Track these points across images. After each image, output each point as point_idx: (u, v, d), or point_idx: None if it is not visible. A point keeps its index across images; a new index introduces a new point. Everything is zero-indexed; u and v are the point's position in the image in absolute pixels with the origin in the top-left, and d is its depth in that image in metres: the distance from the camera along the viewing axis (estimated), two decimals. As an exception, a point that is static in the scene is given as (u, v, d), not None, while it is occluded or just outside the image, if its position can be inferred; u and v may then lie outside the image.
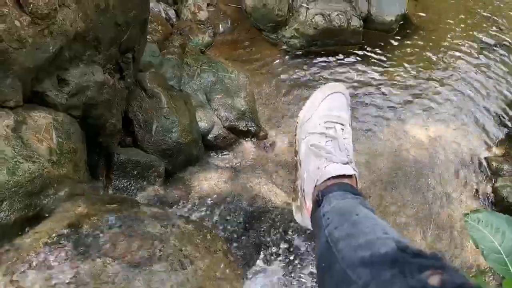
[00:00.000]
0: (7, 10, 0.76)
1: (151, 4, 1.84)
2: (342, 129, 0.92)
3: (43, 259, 0.66)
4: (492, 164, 1.68)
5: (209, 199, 1.33)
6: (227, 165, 1.58)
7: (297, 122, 1.09)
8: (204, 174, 1.48)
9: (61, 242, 0.70)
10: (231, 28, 2.10)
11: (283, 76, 1.93)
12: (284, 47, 2.04)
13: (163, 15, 1.94)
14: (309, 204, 0.94)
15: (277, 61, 1.98)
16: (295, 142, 1.09)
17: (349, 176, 0.88)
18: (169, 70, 1.69)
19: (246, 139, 1.73)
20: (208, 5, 2.11)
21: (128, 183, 1.24)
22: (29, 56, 0.83)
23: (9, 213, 0.71)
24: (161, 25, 1.84)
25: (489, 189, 1.63)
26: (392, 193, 1.58)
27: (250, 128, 1.72)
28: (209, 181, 1.45)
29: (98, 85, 1.05)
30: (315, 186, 0.90)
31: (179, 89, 1.57)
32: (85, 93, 1.01)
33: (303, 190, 0.96)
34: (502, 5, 2.31)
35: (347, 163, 0.88)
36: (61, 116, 0.94)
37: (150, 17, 1.58)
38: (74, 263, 0.67)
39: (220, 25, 2.09)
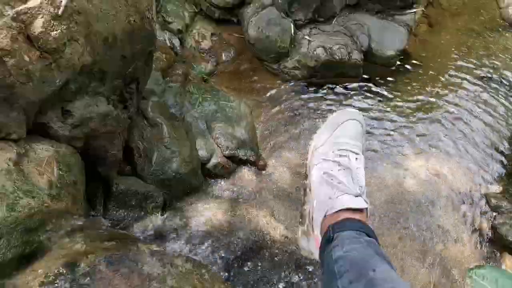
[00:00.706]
0: (17, 46, 0.77)
1: (156, 33, 1.88)
2: (356, 159, 0.91)
3: (39, 300, 0.65)
4: (491, 201, 1.68)
5: (207, 231, 1.32)
6: (225, 195, 1.58)
7: (310, 145, 1.07)
8: (202, 205, 1.47)
9: (57, 282, 0.68)
10: (234, 57, 2.13)
11: (284, 107, 1.94)
12: (286, 77, 2.07)
13: (168, 43, 1.97)
14: (317, 233, 0.92)
15: (279, 91, 2.01)
16: (306, 167, 1.07)
17: (361, 210, 0.87)
18: (171, 97, 1.70)
19: (245, 168, 1.72)
20: (212, 34, 2.15)
21: (125, 213, 1.23)
22: (35, 90, 0.83)
23: (6, 250, 0.70)
24: (165, 53, 1.86)
25: (487, 226, 1.63)
26: (391, 226, 1.57)
27: (249, 157, 1.72)
28: (208, 211, 1.44)
29: (102, 116, 1.05)
30: (325, 216, 0.88)
31: (181, 118, 1.57)
32: (88, 124, 1.02)
33: (312, 218, 0.94)
34: (502, 43, 2.35)
35: (359, 195, 0.87)
36: (63, 148, 0.94)
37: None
38: (70, 305, 0.65)
39: (223, 55, 2.12)
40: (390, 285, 0.65)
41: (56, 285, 0.68)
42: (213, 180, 1.64)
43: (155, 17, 1.24)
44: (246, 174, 1.71)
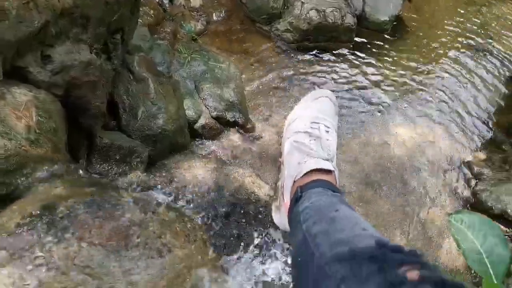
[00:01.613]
0: (-11, -21, 0.72)
1: (144, -14, 1.80)
2: (327, 131, 0.93)
3: (15, 241, 0.64)
4: (474, 168, 1.70)
5: (192, 188, 1.31)
6: (212, 155, 1.57)
7: (285, 124, 1.09)
8: (188, 163, 1.47)
9: (34, 223, 0.67)
10: (225, 17, 2.07)
11: (274, 70, 1.91)
12: (277, 40, 2.03)
13: (156, -1, 1.90)
14: (287, 201, 0.93)
15: (269, 54, 1.97)
16: (281, 144, 1.09)
17: (329, 172, 0.88)
18: (159, 55, 1.66)
19: (233, 130, 1.71)
20: (202, -8, 2.08)
21: (109, 167, 1.21)
22: (11, 29, 0.80)
23: (-19, 191, 0.69)
24: (153, 9, 1.80)
25: (469, 192, 1.66)
26: (374, 191, 1.59)
27: (237, 119, 1.70)
28: (193, 170, 1.44)
29: (84, 64, 1.02)
30: (295, 181, 0.90)
31: (168, 76, 1.54)
32: (69, 72, 0.98)
33: (283, 187, 0.96)
34: (496, 14, 2.33)
35: (327, 159, 0.88)
36: (42, 94, 0.91)
37: (142, 0, 1.55)
38: (47, 246, 0.65)
39: (214, 14, 2.06)
40: (354, 221, 0.67)
41: (33, 226, 0.67)
42: (200, 140, 1.63)
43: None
44: (233, 136, 1.69)
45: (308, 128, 0.92)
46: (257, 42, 2.02)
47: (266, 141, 1.68)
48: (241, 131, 1.73)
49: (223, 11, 2.07)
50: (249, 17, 2.06)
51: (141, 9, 1.71)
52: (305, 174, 0.91)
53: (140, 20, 1.69)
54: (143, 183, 1.21)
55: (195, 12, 2.01)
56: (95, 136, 1.17)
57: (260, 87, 1.86)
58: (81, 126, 1.14)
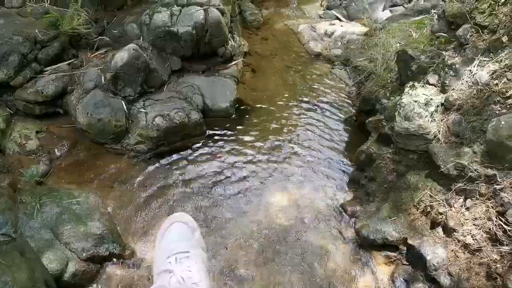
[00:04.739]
0: None
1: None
2: (186, 256, 0.91)
3: None
4: (347, 209, 1.85)
5: None
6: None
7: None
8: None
9: None
10: (70, 149, 1.98)
11: (137, 185, 1.86)
12: (132, 154, 2.00)
13: (-19, 156, 1.72)
14: None
15: (127, 171, 1.92)
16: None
17: None
18: (-2, 216, 1.46)
19: (112, 264, 1.57)
20: (37, 132, 1.96)
21: None
22: None
23: None
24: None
25: (352, 232, 1.77)
26: (267, 260, 1.59)
27: (113, 251, 1.57)
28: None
29: None
30: None
31: (12, 238, 1.34)
32: None
33: None
34: (310, 74, 2.72)
35: None
36: None
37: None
38: None
39: (56, 150, 1.95)
40: None
41: None
42: (75, 291, 1.43)
43: None
44: (113, 270, 1.55)
45: (166, 265, 0.90)
46: (112, 162, 1.95)
47: (149, 261, 1.57)
48: (120, 261, 1.58)
49: (66, 144, 1.97)
50: (96, 142, 2.00)
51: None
52: None
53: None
54: None
55: (34, 155, 1.86)
56: None
57: (128, 206, 1.77)
58: None
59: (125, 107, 2.02)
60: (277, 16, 3.30)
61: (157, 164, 1.95)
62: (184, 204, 1.80)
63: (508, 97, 1.35)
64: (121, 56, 2.04)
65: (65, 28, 2.16)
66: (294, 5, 3.50)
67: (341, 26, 3.07)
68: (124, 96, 2.07)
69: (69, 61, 2.22)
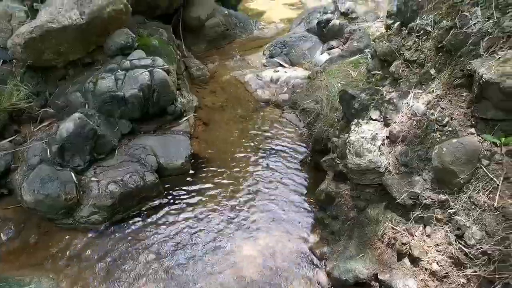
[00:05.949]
0: None
1: None
2: None
3: None
4: (316, 252, 1.83)
5: None
6: None
7: None
8: None
9: None
10: (17, 231, 1.84)
11: (95, 261, 1.74)
12: (86, 227, 1.89)
13: None
14: None
15: (83, 246, 1.80)
16: None
17: None
18: None
19: None
20: (-22, 218, 1.81)
21: None
22: None
23: None
24: None
25: (324, 275, 1.74)
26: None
27: None
28: None
29: None
30: None
31: None
32: None
33: None
34: (261, 120, 2.77)
35: None
36: None
37: None
38: None
39: (1, 234, 1.81)
40: None
41: None
42: None
43: None
44: None
45: None
46: (65, 239, 1.82)
47: None
48: None
49: (12, 226, 1.83)
50: (45, 219, 1.87)
51: None
52: None
53: None
54: None
55: (-25, 244, 1.71)
56: None
57: (88, 287, 1.64)
58: None
59: (74, 178, 1.93)
60: (223, 68, 3.39)
61: (114, 235, 1.85)
62: (147, 274, 1.70)
63: (445, 125, 1.44)
64: (66, 126, 1.98)
65: (4, 105, 2.08)
66: (238, 57, 3.62)
67: (285, 72, 3.20)
68: (73, 167, 1.99)
69: (11, 138, 2.12)
